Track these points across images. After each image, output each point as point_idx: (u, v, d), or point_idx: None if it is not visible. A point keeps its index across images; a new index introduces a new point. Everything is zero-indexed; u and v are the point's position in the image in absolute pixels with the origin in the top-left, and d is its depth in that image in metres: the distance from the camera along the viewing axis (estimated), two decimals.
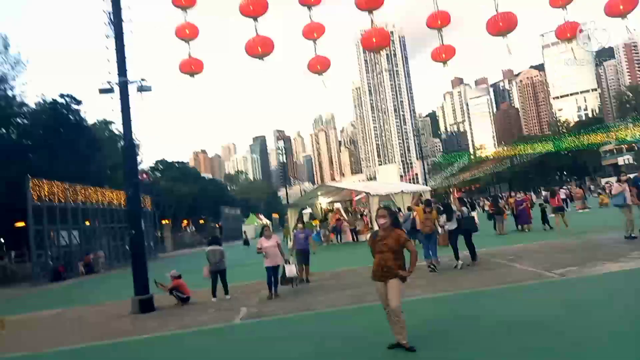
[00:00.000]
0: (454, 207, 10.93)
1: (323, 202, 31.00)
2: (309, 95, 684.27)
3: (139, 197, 12.34)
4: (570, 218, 19.60)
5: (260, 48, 10.16)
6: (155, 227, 52.33)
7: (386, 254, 5.18)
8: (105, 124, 48.46)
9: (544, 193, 46.12)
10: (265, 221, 68.31)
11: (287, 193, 76.14)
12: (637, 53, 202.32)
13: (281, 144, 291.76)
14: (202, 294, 11.34)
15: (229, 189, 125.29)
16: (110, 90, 11.54)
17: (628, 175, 14.33)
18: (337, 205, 31.33)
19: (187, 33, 10.33)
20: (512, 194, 24.82)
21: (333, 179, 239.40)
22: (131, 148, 12.11)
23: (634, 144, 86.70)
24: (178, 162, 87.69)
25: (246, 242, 41.82)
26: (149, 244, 42.20)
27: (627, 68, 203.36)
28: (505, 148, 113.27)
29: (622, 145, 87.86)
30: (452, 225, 10.79)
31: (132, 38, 11.49)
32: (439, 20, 10.84)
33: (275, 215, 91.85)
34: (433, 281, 9.72)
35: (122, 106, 11.39)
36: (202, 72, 10.49)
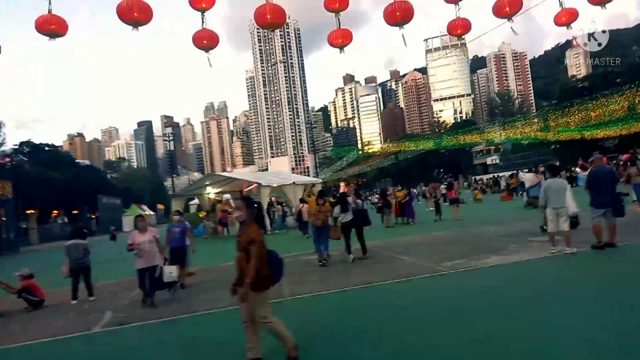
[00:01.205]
0: (349, 199, 10.56)
1: (211, 192, 29.58)
2: (200, 80, 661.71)
3: None
4: (446, 211, 20.74)
5: (136, 13, 8.79)
6: (18, 218, 46.41)
7: (241, 253, 4.34)
8: None
9: (423, 188, 49.26)
10: (149, 212, 64.17)
11: (173, 182, 72.24)
12: (505, 64, 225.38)
13: (169, 130, 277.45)
14: (61, 296, 9.78)
15: (109, 177, 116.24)
16: None
17: (543, 166, 14.62)
18: (227, 196, 30.11)
19: None
20: (399, 188, 25.67)
21: (224, 169, 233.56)
22: None
23: (500, 146, 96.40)
24: (48, 145, 79.02)
25: (113, 237, 38.09)
26: (8, 236, 37.20)
27: (496, 77, 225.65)
28: (390, 145, 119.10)
29: (491, 147, 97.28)
30: (347, 217, 10.44)
31: None
32: (337, 3, 10.38)
33: (160, 207, 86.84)
34: (324, 276, 9.26)
35: None
36: (65, 35, 8.81)
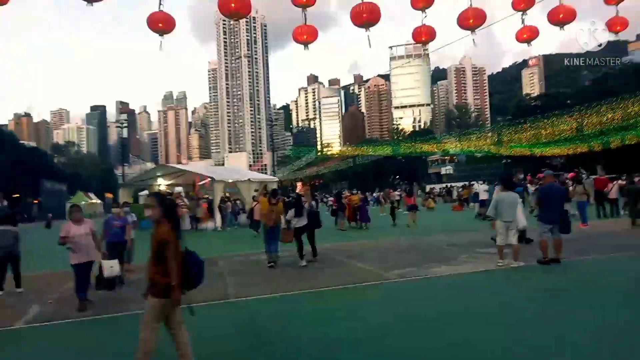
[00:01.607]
0: (304, 203, 10.23)
1: (162, 184, 28.62)
2: (160, 69, 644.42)
3: None
4: (400, 217, 20.93)
5: None
6: None
7: (150, 256, 3.94)
8: None
9: (376, 194, 49.71)
10: (96, 200, 61.64)
11: (123, 171, 69.75)
12: (465, 77, 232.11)
13: (124, 117, 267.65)
14: None
15: (56, 161, 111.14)
16: None
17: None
18: (178, 189, 29.15)
19: None
20: (354, 191, 25.62)
21: (179, 161, 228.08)
22: None
23: (455, 157, 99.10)
24: None
25: (48, 225, 36.19)
26: None
27: (455, 89, 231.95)
28: (349, 148, 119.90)
29: (446, 157, 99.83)
30: (301, 222, 10.13)
31: None
32: None
33: (109, 195, 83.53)
34: (271, 278, 8.98)
35: None
36: (5, 4, 8.09)
